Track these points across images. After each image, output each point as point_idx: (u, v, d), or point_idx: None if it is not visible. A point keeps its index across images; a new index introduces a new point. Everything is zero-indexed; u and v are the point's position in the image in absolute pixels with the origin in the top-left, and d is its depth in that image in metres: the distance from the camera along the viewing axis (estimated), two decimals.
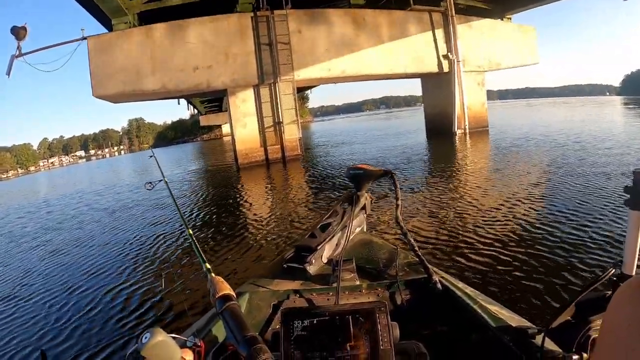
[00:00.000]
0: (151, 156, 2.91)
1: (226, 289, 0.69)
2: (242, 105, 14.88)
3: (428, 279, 1.57)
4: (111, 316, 4.12)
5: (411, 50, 16.54)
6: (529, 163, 10.05)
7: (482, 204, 6.61)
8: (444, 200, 7.23)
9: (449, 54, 17.23)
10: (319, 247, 1.79)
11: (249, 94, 14.88)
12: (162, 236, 7.13)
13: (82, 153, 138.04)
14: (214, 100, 44.34)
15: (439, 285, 1.53)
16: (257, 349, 0.60)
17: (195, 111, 62.20)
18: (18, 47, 12.78)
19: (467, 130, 17.94)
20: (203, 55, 14.23)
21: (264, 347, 0.64)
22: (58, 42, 13.59)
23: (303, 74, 15.12)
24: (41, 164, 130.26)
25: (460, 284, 1.58)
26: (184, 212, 2.99)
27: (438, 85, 18.35)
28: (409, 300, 1.59)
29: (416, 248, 1.64)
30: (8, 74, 13.02)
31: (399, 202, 1.72)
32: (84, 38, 13.46)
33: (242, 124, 15.01)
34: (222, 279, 0.74)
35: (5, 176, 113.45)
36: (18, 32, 12.63)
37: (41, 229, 10.28)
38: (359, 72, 15.80)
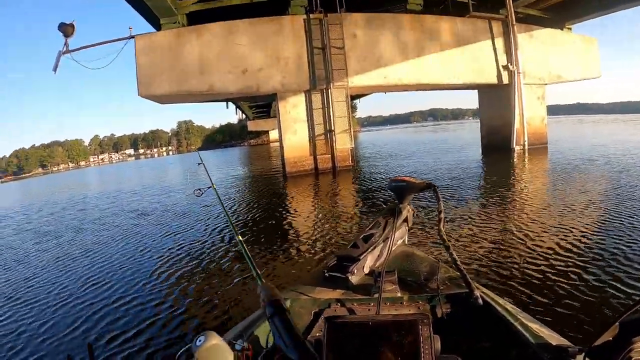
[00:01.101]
0: (199, 163, 2.83)
1: (276, 295, 0.64)
2: (293, 110, 14.15)
3: (469, 293, 1.55)
4: (158, 314, 4.24)
5: (470, 59, 15.55)
6: (591, 186, 9.02)
7: (538, 229, 5.96)
8: (500, 220, 6.66)
9: (509, 64, 16.13)
10: (361, 257, 1.81)
11: (300, 99, 14.18)
12: (211, 242, 7.15)
13: (131, 151, 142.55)
14: (263, 106, 44.37)
15: (480, 300, 1.52)
16: (307, 354, 0.58)
17: (244, 116, 62.67)
18: (65, 44, 12.70)
19: (527, 147, 16.69)
20: (253, 58, 13.66)
21: (314, 354, 0.65)
22: (105, 40, 13.36)
23: (357, 81, 14.30)
24: (91, 159, 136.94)
25: (501, 300, 1.58)
26: (232, 218, 2.29)
27: (496, 98, 17.16)
28: (450, 314, 1.58)
29: (458, 262, 1.62)
30: (55, 69, 12.95)
31: (442, 215, 1.71)
32: (132, 37, 13.22)
33: (292, 131, 14.24)
34: (273, 285, 0.68)
35: (56, 169, 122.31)
36: (66, 29, 12.60)
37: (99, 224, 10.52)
38: (417, 81, 14.88)
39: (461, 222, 6.54)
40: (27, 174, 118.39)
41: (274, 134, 61.10)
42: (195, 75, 13.34)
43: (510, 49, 16.01)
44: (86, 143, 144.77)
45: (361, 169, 15.45)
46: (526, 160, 14.84)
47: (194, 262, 6.01)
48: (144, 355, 3.44)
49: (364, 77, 14.37)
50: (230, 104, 32.78)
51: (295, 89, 14.05)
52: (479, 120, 20.25)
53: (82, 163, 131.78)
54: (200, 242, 7.15)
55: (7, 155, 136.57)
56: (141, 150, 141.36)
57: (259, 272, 1.01)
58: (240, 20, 13.66)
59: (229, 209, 9.71)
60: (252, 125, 64.14)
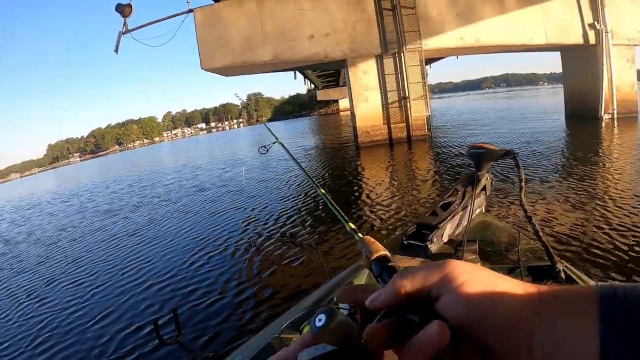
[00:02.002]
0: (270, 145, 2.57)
1: (381, 249, 0.55)
2: (364, 77, 13.31)
3: (552, 266, 1.53)
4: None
5: (553, 17, 14.03)
6: None
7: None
8: (589, 193, 5.96)
9: (595, 22, 14.43)
10: (440, 225, 1.80)
11: (371, 65, 13.33)
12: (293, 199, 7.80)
13: (203, 125, 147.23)
14: (331, 75, 43.16)
15: (562, 274, 1.50)
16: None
17: (312, 86, 61.42)
18: (124, 24, 12.73)
19: (615, 116, 15.02)
20: (319, 23, 12.95)
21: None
22: (163, 17, 13.17)
23: (432, 43, 13.27)
24: (165, 135, 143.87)
25: (584, 276, 1.56)
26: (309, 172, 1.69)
27: (582, 61, 15.39)
28: None
29: (540, 233, 1.55)
30: (116, 50, 13.10)
31: (523, 184, 1.63)
32: (190, 10, 12.93)
33: (364, 99, 13.41)
34: (374, 239, 0.58)
35: (131, 145, 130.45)
36: (123, 10, 12.61)
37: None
38: (496, 42, 13.63)
39: (551, 206, 5.59)
40: (105, 152, 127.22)
41: (343, 103, 60.67)
42: (258, 45, 12.83)
43: (596, 5, 14.36)
44: (159, 119, 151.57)
45: (437, 139, 14.32)
46: (615, 131, 13.13)
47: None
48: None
49: (438, 39, 13.35)
50: (298, 74, 32.49)
51: (365, 54, 13.22)
52: (553, 85, 18.59)
53: (156, 139, 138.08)
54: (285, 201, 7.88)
55: (85, 136, 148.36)
56: (212, 124, 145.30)
57: (353, 226, 0.79)
58: None
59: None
60: (321, 95, 62.68)
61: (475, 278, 0.38)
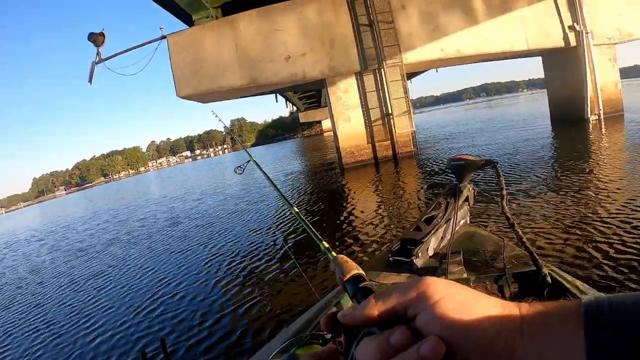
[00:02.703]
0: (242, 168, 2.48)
1: (354, 268, 0.52)
2: (344, 96, 12.91)
3: (537, 271, 1.53)
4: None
5: (533, 22, 13.79)
6: None
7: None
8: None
9: (575, 24, 14.22)
10: (424, 240, 1.80)
11: (351, 82, 12.93)
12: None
13: (188, 153, 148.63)
14: (312, 96, 43.22)
15: (548, 278, 1.49)
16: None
17: (294, 108, 61.16)
18: (97, 54, 12.52)
19: (602, 117, 14.74)
20: (295, 43, 12.65)
21: None
22: (136, 44, 13.07)
23: (412, 57, 12.92)
24: (150, 164, 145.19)
25: (570, 278, 1.54)
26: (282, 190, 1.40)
27: (564, 64, 15.20)
28: (518, 293, 1.55)
29: (524, 239, 1.58)
30: (90, 81, 12.87)
31: (504, 192, 1.66)
32: (164, 37, 12.68)
33: (345, 118, 12.99)
34: (347, 258, 0.55)
35: (117, 176, 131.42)
36: (96, 39, 12.42)
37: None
38: (477, 51, 13.32)
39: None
40: (90, 184, 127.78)
41: (326, 124, 60.94)
42: (234, 69, 12.53)
43: (574, 6, 14.16)
44: (144, 149, 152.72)
45: (424, 155, 13.86)
46: (604, 131, 12.83)
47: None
48: None
49: (418, 52, 13.02)
50: (279, 97, 32.11)
51: (344, 72, 12.86)
52: (533, 92, 18.41)
53: (142, 169, 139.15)
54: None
55: (70, 168, 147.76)
56: (197, 151, 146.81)
57: (327, 245, 0.69)
58: (277, 4, 12.67)
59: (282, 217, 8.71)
60: (303, 117, 62.44)
61: (450, 295, 0.38)
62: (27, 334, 5.10)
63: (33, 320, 5.55)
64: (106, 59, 12.66)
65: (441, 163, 11.48)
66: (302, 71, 12.55)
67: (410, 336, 0.36)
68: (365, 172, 12.42)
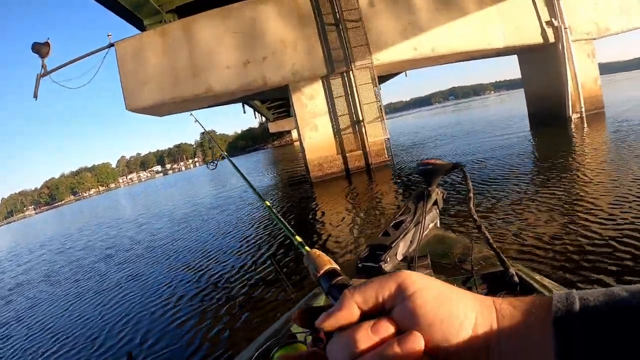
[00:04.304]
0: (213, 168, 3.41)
1: (327, 262, 0.51)
2: (310, 103, 11.80)
3: (504, 271, 1.54)
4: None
5: (509, 18, 13.02)
6: None
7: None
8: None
9: (553, 19, 13.53)
10: (393, 245, 1.79)
11: (317, 88, 11.84)
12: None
13: (158, 168, 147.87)
14: (281, 106, 42.60)
15: (515, 278, 1.50)
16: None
17: (264, 119, 60.88)
18: (42, 66, 11.56)
19: (584, 114, 14.03)
20: (253, 46, 11.52)
21: None
22: (83, 54, 11.94)
23: (383, 57, 11.90)
24: (120, 180, 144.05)
25: (538, 276, 1.56)
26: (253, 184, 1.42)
27: (541, 61, 14.62)
28: (486, 294, 1.43)
29: (491, 241, 1.57)
30: (35, 96, 12.02)
31: (471, 194, 1.65)
32: (112, 44, 11.68)
33: (312, 127, 11.90)
34: (321, 252, 0.54)
35: (87, 194, 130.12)
36: (40, 49, 11.48)
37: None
38: (453, 49, 12.39)
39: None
40: (60, 203, 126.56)
41: (296, 133, 59.68)
42: (188, 77, 11.42)
43: (552, 1, 13.47)
44: (113, 165, 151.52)
45: (400, 164, 12.76)
46: (588, 130, 12.10)
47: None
48: None
49: (390, 52, 11.98)
50: (247, 107, 31.02)
51: (309, 77, 11.73)
52: (500, 93, 17.81)
53: (112, 185, 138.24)
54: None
55: (39, 187, 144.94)
56: (168, 166, 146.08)
57: (300, 239, 0.68)
58: (232, 4, 11.55)
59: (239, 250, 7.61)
60: (273, 127, 61.49)
61: (427, 287, 0.38)
62: None
63: None
64: (51, 71, 11.58)
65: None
66: (263, 77, 11.39)
67: (393, 329, 0.36)
68: (337, 185, 11.29)
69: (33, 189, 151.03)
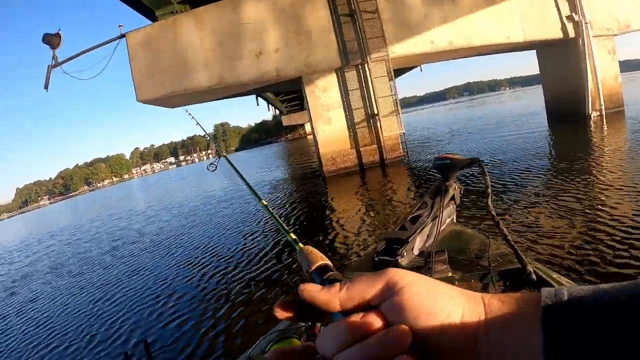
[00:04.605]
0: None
1: (320, 258, 0.50)
2: (323, 95, 11.52)
3: (522, 269, 1.53)
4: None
5: (529, 12, 12.69)
6: None
7: None
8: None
9: (573, 14, 13.11)
10: (409, 239, 1.80)
11: (331, 80, 11.57)
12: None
13: (172, 159, 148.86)
14: (294, 99, 42.12)
15: (533, 276, 1.50)
16: None
17: (277, 112, 60.03)
18: (53, 57, 11.38)
19: (604, 112, 13.59)
20: (266, 37, 11.32)
21: None
22: (94, 45, 11.69)
23: (399, 50, 11.62)
24: (134, 171, 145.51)
25: (555, 275, 1.55)
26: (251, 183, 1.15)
27: (561, 57, 14.20)
28: (503, 291, 1.52)
29: (509, 237, 1.56)
30: (46, 87, 11.82)
31: (489, 190, 1.63)
32: (123, 35, 11.40)
33: (326, 120, 11.61)
34: (313, 248, 0.52)
35: (101, 185, 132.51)
36: (51, 40, 11.29)
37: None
38: (470, 43, 12.07)
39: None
40: (74, 193, 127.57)
41: (309, 127, 59.65)
42: (200, 69, 11.19)
43: None
44: (127, 156, 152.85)
45: (415, 159, 12.44)
46: (605, 129, 11.70)
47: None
48: None
49: (406, 44, 11.77)
50: (260, 100, 31.00)
51: (323, 69, 11.48)
52: (515, 89, 17.28)
53: (126, 176, 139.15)
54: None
55: (53, 177, 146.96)
56: (181, 157, 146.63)
57: (294, 236, 0.63)
58: None
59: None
60: (286, 120, 61.04)
61: (414, 283, 0.38)
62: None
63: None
64: (62, 62, 11.38)
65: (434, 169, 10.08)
66: (275, 69, 11.15)
67: (381, 322, 0.36)
68: (350, 180, 11.07)
69: (48, 179, 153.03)
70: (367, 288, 0.38)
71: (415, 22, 11.63)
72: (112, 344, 4.11)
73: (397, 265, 1.70)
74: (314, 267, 0.46)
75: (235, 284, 4.99)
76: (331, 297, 0.38)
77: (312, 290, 0.39)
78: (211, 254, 6.82)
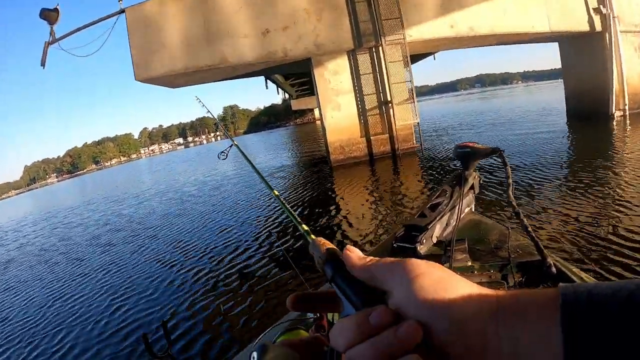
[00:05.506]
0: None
1: (333, 251, 0.49)
2: (334, 79, 10.88)
3: (542, 261, 1.50)
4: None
5: (556, 1, 11.96)
6: None
7: None
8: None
9: (601, 6, 12.39)
10: (429, 227, 1.77)
11: (342, 63, 10.93)
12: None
13: (180, 140, 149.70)
14: (304, 83, 41.31)
15: (553, 269, 1.46)
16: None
17: (287, 95, 59.61)
18: (51, 33, 11.00)
19: (627, 112, 12.98)
20: (274, 14, 10.61)
21: None
22: (92, 20, 11.21)
23: (416, 33, 10.90)
24: (142, 151, 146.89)
25: (575, 269, 1.52)
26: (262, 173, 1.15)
27: (585, 51, 13.47)
28: (522, 282, 1.54)
29: (529, 229, 1.52)
30: (43, 64, 11.46)
31: (510, 180, 1.61)
32: (122, 11, 10.87)
33: (335, 106, 10.98)
34: (325, 240, 0.52)
35: (109, 164, 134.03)
36: (49, 15, 10.90)
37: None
38: (493, 30, 11.36)
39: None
40: (82, 171, 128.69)
41: (318, 112, 59.80)
42: (202, 47, 10.61)
43: None
44: (136, 136, 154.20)
45: (429, 151, 11.69)
46: (629, 130, 10.94)
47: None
48: None
49: (424, 27, 11.05)
50: (270, 83, 30.61)
51: (334, 50, 10.82)
52: (528, 84, 16.32)
53: (134, 156, 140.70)
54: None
55: (61, 155, 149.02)
56: (190, 139, 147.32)
57: (307, 228, 0.62)
58: None
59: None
60: (295, 104, 60.36)
61: (428, 273, 0.38)
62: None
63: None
64: (60, 38, 10.96)
65: (450, 162, 9.63)
66: (283, 48, 10.47)
67: (390, 317, 0.36)
68: (359, 171, 10.53)
69: (56, 157, 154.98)
70: (382, 273, 0.38)
71: (435, 3, 10.87)
72: (129, 325, 4.20)
73: (415, 252, 1.71)
74: (326, 259, 0.46)
75: (247, 270, 5.09)
76: (367, 264, 0.40)
77: (353, 253, 0.41)
78: (224, 243, 6.65)
